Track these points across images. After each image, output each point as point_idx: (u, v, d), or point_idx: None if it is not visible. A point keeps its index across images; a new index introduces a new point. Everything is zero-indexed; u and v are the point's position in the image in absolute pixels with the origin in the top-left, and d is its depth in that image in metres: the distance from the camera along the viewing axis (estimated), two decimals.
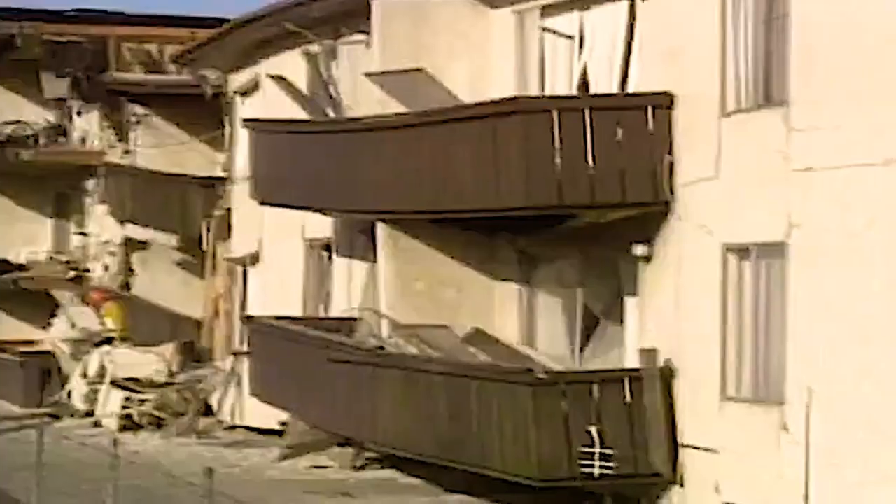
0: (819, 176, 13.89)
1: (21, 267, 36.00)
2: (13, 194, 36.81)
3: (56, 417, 27.94)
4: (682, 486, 15.50)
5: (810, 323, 14.00)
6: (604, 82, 17.56)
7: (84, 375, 28.89)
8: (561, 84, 18.35)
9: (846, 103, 13.65)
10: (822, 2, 14.09)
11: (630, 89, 17.05)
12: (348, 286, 22.04)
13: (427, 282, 19.09)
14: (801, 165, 14.11)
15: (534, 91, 18.44)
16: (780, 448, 13.88)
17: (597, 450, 15.19)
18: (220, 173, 29.25)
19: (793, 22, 14.40)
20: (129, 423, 26.41)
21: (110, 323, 31.00)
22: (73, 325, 31.20)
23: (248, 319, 24.75)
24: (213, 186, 29.10)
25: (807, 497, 11.19)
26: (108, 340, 30.37)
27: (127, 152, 32.26)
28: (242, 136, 25.75)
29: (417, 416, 17.55)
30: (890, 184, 13.07)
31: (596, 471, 15.21)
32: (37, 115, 35.94)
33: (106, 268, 33.16)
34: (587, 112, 16.13)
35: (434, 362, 17.69)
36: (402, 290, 19.15)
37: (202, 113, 29.73)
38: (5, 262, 35.97)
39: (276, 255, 25.08)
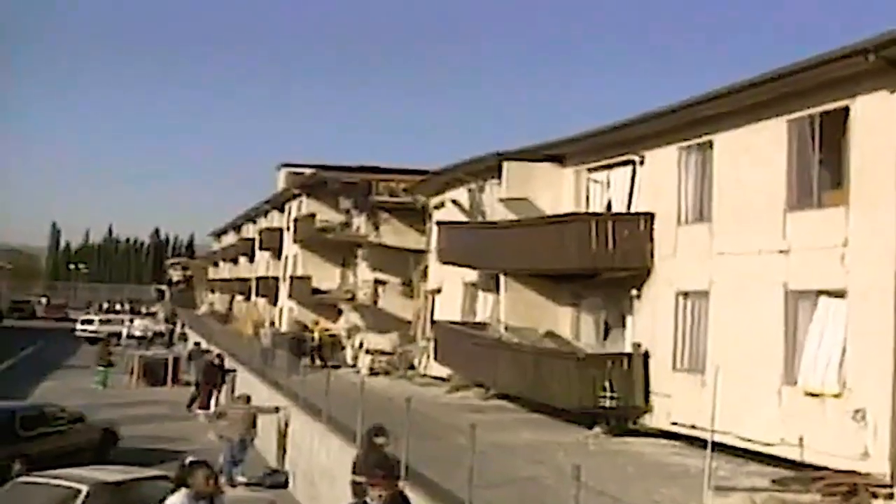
0: (726, 257, 13.90)
1: (325, 292, 36.67)
2: (323, 256, 36.81)
3: (336, 367, 28.30)
4: (651, 413, 15.39)
5: (718, 334, 13.96)
6: (619, 206, 17.25)
7: (352, 346, 29.52)
8: (597, 206, 18.05)
9: (740, 221, 13.65)
10: (727, 171, 14.08)
11: (633, 210, 16.76)
12: (485, 306, 21.82)
13: (524, 305, 18.89)
14: (717, 251, 14.12)
15: (583, 210, 18.26)
16: (701, 394, 13.76)
17: (608, 394, 15.12)
18: (423, 247, 29.09)
19: (714, 180, 14.43)
20: (372, 372, 26.27)
21: (315, 334, 30.73)
22: (346, 320, 31.96)
23: (433, 322, 24.77)
24: (420, 253, 29.01)
25: (713, 419, 11.15)
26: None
27: (377, 236, 32.74)
28: (434, 230, 25.66)
29: (517, 374, 17.32)
30: (760, 263, 13.06)
31: (608, 404, 15.17)
32: (334, 217, 36.26)
33: (365, 294, 33.83)
34: (610, 222, 16.12)
35: (526, 347, 17.56)
36: (512, 309, 18.96)
37: (416, 217, 29.41)
38: (319, 289, 36.32)
39: (449, 289, 24.72)
